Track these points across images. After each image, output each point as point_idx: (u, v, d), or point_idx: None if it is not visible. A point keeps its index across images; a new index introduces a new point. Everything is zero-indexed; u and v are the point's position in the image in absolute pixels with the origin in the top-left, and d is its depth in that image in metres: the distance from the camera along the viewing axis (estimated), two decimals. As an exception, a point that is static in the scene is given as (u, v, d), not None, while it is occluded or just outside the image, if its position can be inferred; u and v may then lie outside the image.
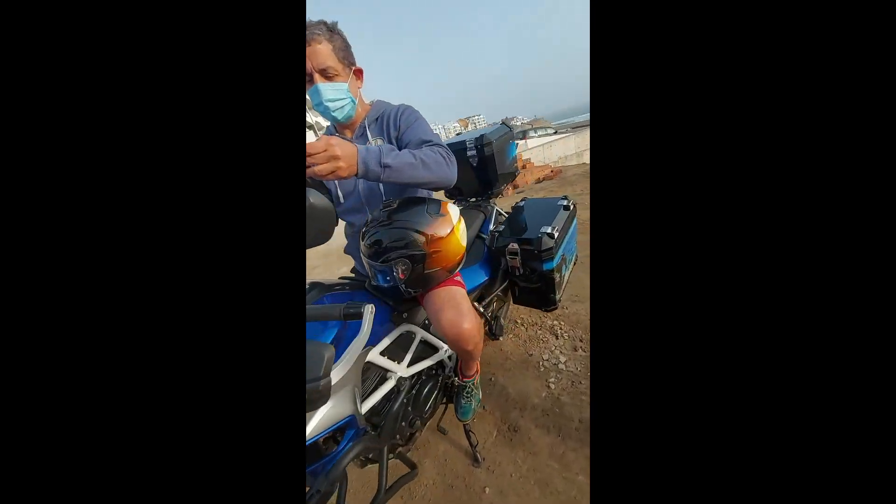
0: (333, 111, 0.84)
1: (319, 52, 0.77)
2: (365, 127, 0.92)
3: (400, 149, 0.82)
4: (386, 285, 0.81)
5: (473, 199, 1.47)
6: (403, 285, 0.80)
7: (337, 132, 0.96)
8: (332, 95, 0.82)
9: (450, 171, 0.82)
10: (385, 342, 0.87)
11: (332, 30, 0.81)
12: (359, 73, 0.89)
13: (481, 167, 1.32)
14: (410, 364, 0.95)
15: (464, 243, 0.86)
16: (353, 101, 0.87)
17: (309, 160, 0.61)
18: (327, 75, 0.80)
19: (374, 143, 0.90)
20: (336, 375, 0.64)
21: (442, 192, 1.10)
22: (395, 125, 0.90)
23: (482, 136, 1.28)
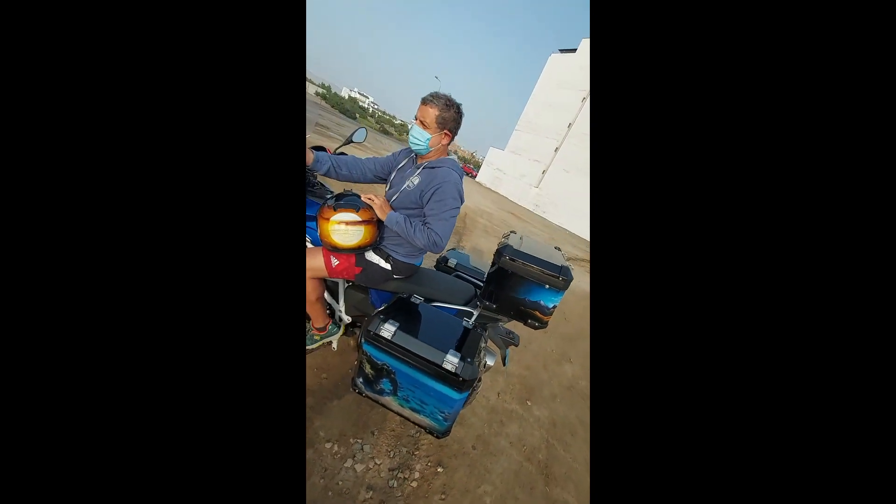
0: (412, 143, 1.30)
1: (425, 111, 1.23)
2: (420, 167, 1.33)
3: (424, 204, 1.29)
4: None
5: None
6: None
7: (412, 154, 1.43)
8: (415, 135, 1.27)
9: (423, 249, 1.35)
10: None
11: (448, 105, 1.24)
12: (447, 136, 1.28)
13: None
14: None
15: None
16: (426, 147, 1.29)
17: (369, 199, 1.27)
18: (423, 124, 1.24)
19: (414, 180, 1.31)
20: None
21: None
22: (429, 191, 1.27)
23: None
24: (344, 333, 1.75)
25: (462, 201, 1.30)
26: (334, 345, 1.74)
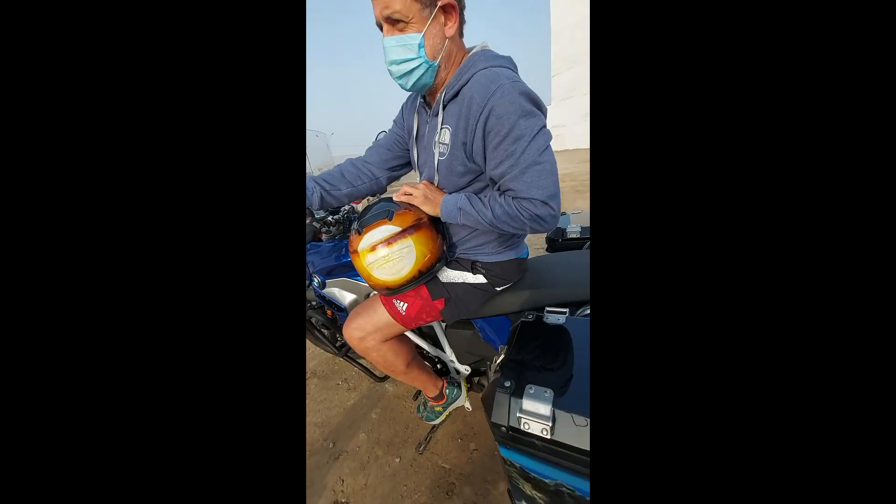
0: (399, 77, 0.63)
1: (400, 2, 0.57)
2: (437, 109, 0.70)
3: (484, 161, 0.66)
4: None
5: None
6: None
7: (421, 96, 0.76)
8: (396, 55, 0.60)
9: (528, 231, 0.70)
10: None
11: None
12: (450, 14, 0.62)
13: None
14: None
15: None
16: (428, 63, 0.62)
17: (407, 194, 0.74)
18: (394, 24, 0.58)
19: (444, 138, 0.70)
20: None
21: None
22: (477, 136, 0.63)
23: None
24: (470, 388, 1.27)
25: (544, 108, 0.64)
26: (467, 405, 1.28)
